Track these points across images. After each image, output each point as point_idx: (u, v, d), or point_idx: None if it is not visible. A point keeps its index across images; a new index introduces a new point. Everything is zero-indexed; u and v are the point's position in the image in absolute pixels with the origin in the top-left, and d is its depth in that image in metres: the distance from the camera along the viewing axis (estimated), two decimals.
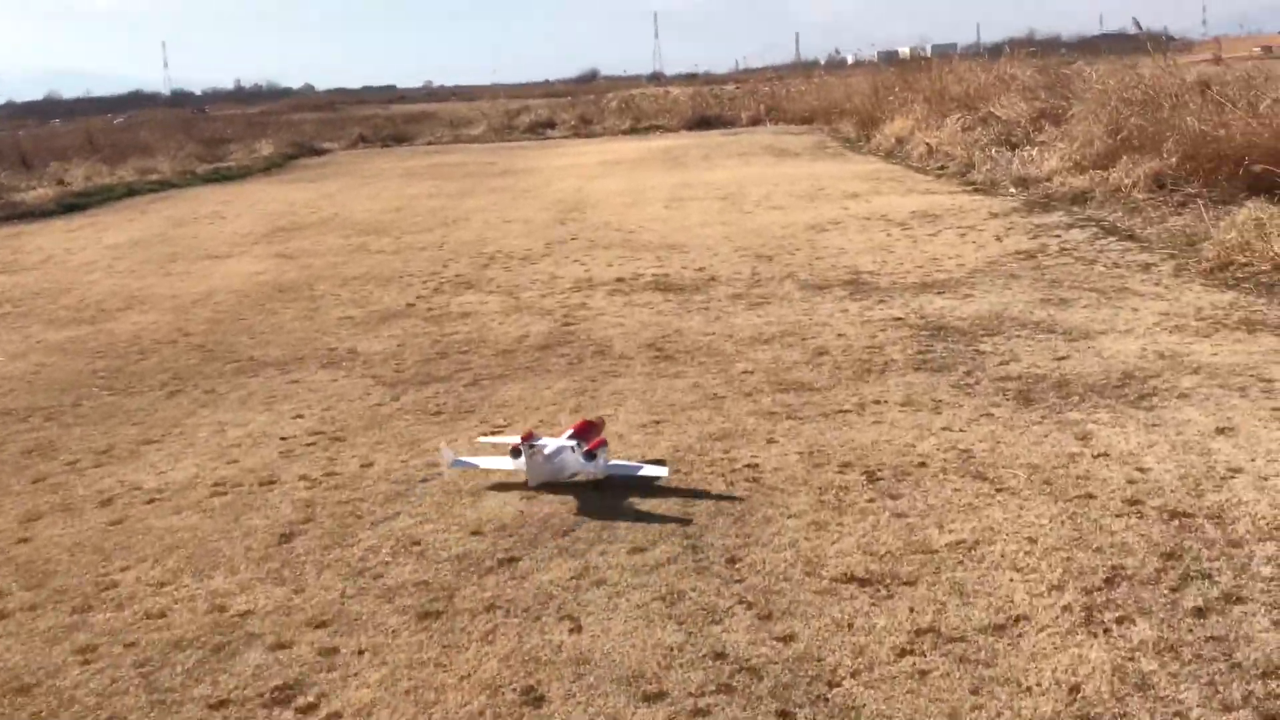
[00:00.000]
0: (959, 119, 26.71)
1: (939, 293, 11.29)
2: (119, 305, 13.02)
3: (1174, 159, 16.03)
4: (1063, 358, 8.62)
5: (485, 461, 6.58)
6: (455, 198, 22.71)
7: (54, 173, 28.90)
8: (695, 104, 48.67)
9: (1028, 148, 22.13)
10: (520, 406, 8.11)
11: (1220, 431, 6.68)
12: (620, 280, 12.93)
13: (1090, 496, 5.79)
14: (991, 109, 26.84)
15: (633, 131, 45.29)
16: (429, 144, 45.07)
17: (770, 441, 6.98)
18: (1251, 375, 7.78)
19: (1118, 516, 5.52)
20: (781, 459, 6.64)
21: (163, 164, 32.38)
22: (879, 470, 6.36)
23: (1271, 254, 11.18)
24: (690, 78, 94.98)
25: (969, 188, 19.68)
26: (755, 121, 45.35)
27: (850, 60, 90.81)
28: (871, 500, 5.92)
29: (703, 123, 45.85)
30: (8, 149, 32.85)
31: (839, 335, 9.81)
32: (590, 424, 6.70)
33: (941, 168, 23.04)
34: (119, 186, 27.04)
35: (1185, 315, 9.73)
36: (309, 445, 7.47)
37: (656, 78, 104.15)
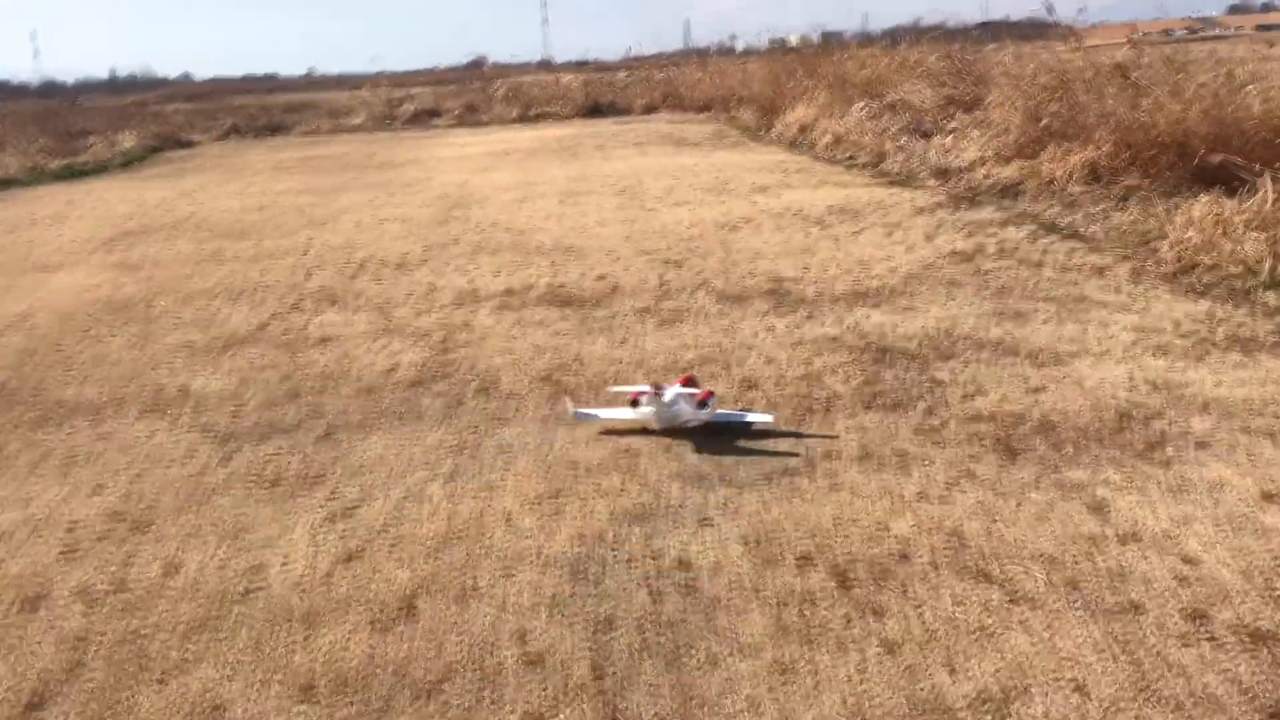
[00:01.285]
0: (864, 106, 25.51)
1: (875, 305, 9.85)
2: None
3: (1106, 148, 14.85)
4: (1037, 389, 7.20)
5: (606, 413, 7.05)
6: (327, 194, 20.76)
7: None
8: (588, 91, 46.92)
9: (940, 136, 21.00)
10: (382, 471, 6.43)
11: (1268, 498, 5.28)
12: (509, 292, 11.27)
13: (1137, 608, 4.34)
14: (897, 96, 25.76)
15: (522, 120, 43.48)
16: (306, 134, 42.68)
17: (703, 523, 5.41)
18: (1275, 414, 6.41)
19: (1184, 644, 4.07)
20: (721, 551, 5.08)
21: (10, 160, 29.71)
22: (850, 568, 4.84)
23: (1240, 255, 9.95)
24: (581, 65, 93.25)
25: (884, 180, 18.38)
26: (651, 109, 43.85)
27: (740, 48, 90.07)
28: (849, 621, 4.39)
29: (596, 111, 44.24)
30: None
31: (768, 361, 8.30)
32: (692, 378, 7.28)
33: (850, 158, 21.75)
34: None
35: (1163, 331, 8.42)
36: (101, 538, 5.70)
37: (546, 64, 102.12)
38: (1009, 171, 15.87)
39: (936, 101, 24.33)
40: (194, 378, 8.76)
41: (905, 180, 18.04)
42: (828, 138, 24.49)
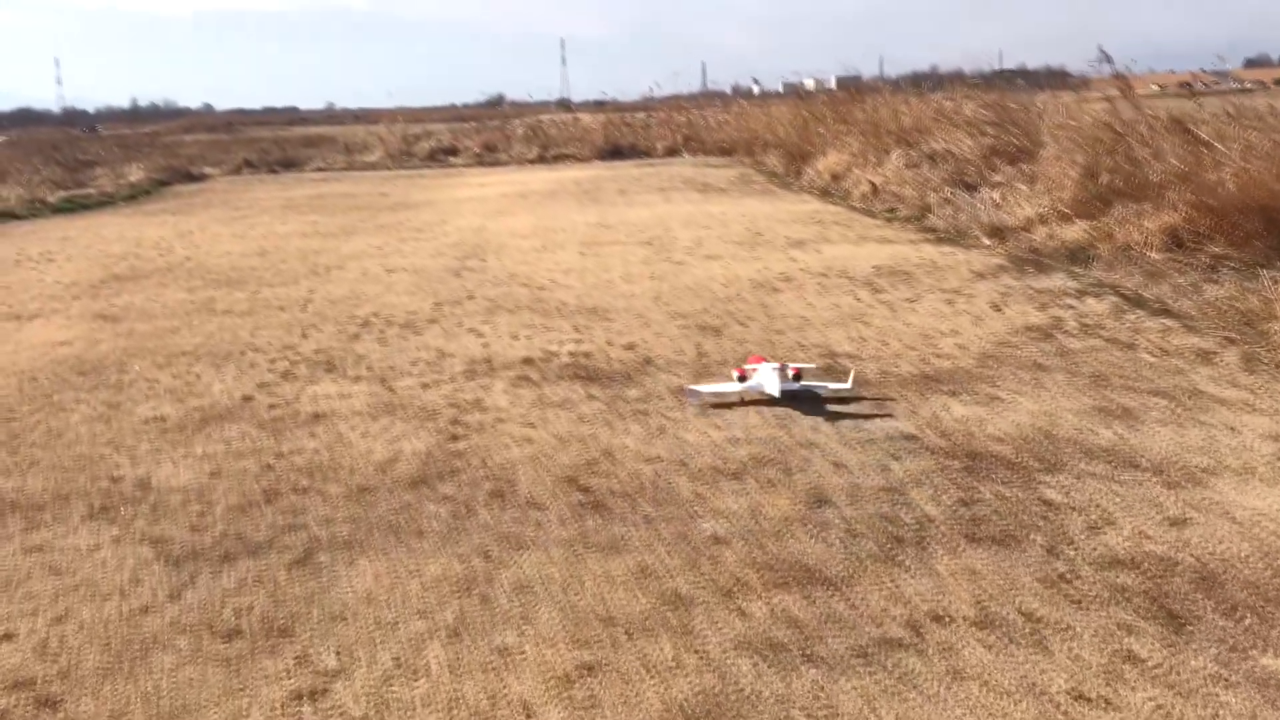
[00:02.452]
0: (902, 155, 24.28)
1: (951, 392, 8.51)
2: None
3: (1183, 211, 13.52)
4: (1179, 521, 5.84)
5: (720, 387, 8.52)
6: (334, 237, 19.53)
7: None
8: (608, 132, 45.86)
9: (987, 189, 19.72)
10: (368, 620, 5.08)
11: None
12: (528, 362, 9.96)
13: None
14: (936, 145, 24.53)
15: (541, 160, 42.43)
16: (319, 171, 41.65)
17: None
18: None
19: None
20: None
21: (12, 191, 28.62)
22: None
23: None
24: (599, 104, 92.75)
25: (931, 236, 17.07)
26: (672, 152, 42.76)
27: (756, 91, 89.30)
28: None
29: (616, 152, 43.17)
30: None
31: (836, 466, 6.95)
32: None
33: (891, 210, 20.48)
34: None
35: None
36: None
37: (565, 104, 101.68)
38: (1074, 233, 14.55)
39: (979, 152, 23.06)
40: (158, 465, 7.44)
41: (955, 238, 16.75)
42: (864, 187, 23.28)
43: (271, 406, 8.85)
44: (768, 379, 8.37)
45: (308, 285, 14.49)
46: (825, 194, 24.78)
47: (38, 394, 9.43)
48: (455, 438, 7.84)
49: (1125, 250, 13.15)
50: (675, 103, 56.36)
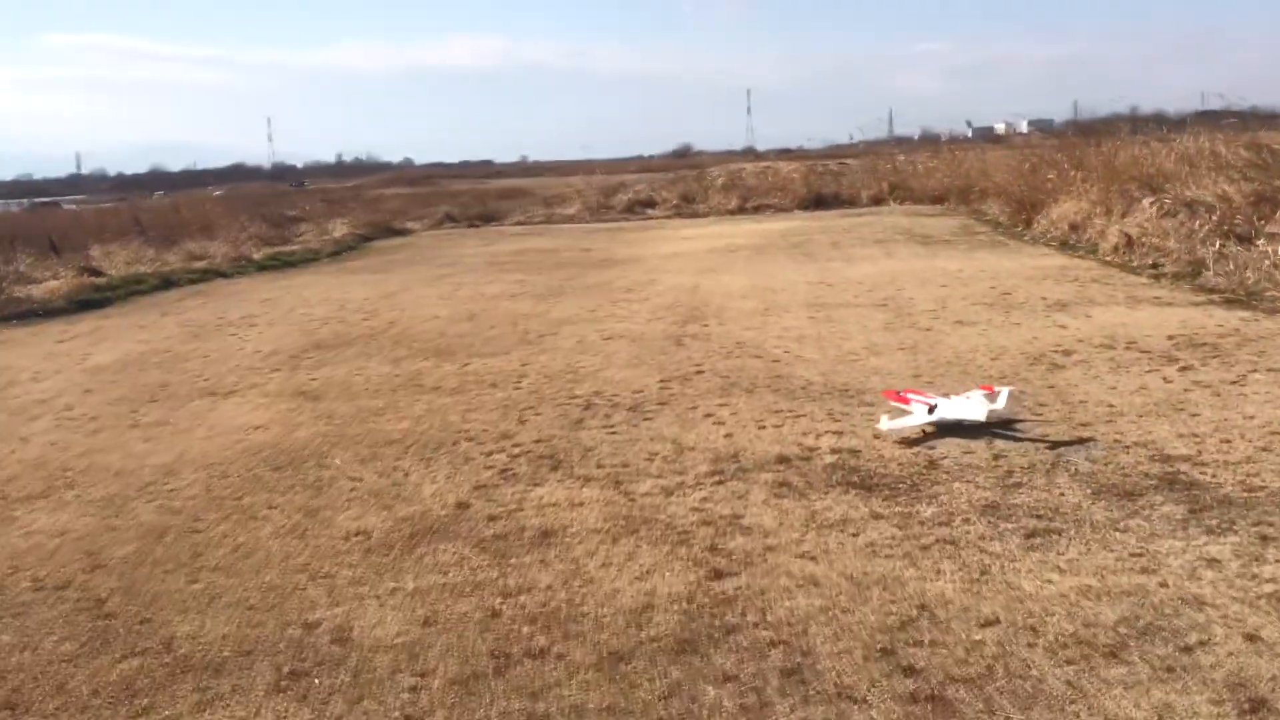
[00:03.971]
0: (1154, 203, 21.81)
1: None
2: (30, 490, 8.78)
3: None
4: None
5: (913, 420, 8.68)
6: (543, 299, 18.35)
7: (89, 258, 25.19)
8: (809, 181, 44.18)
9: (1264, 242, 17.26)
10: None
11: None
12: (784, 461, 8.32)
13: None
14: (1190, 192, 22.01)
15: (741, 211, 41.00)
16: (519, 224, 41.19)
17: None
18: None
19: None
20: None
21: (218, 248, 28.65)
22: None
23: None
24: (785, 152, 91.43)
25: (1216, 298, 14.81)
26: (878, 200, 40.74)
27: (945, 136, 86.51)
28: None
29: (818, 201, 41.40)
30: (37, 230, 29.21)
31: (1250, 639, 5.06)
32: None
33: (1155, 266, 18.15)
34: (151, 278, 23.16)
35: None
36: None
37: (751, 152, 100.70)
38: None
39: (1243, 199, 20.47)
40: (361, 606, 6.06)
41: (1246, 299, 14.45)
42: (1114, 239, 20.91)
43: (491, 518, 7.43)
44: (972, 408, 8.70)
45: (520, 356, 13.21)
46: (1065, 246, 22.49)
47: (227, 496, 8.25)
48: (719, 574, 6.23)
49: None
50: (880, 149, 54.34)
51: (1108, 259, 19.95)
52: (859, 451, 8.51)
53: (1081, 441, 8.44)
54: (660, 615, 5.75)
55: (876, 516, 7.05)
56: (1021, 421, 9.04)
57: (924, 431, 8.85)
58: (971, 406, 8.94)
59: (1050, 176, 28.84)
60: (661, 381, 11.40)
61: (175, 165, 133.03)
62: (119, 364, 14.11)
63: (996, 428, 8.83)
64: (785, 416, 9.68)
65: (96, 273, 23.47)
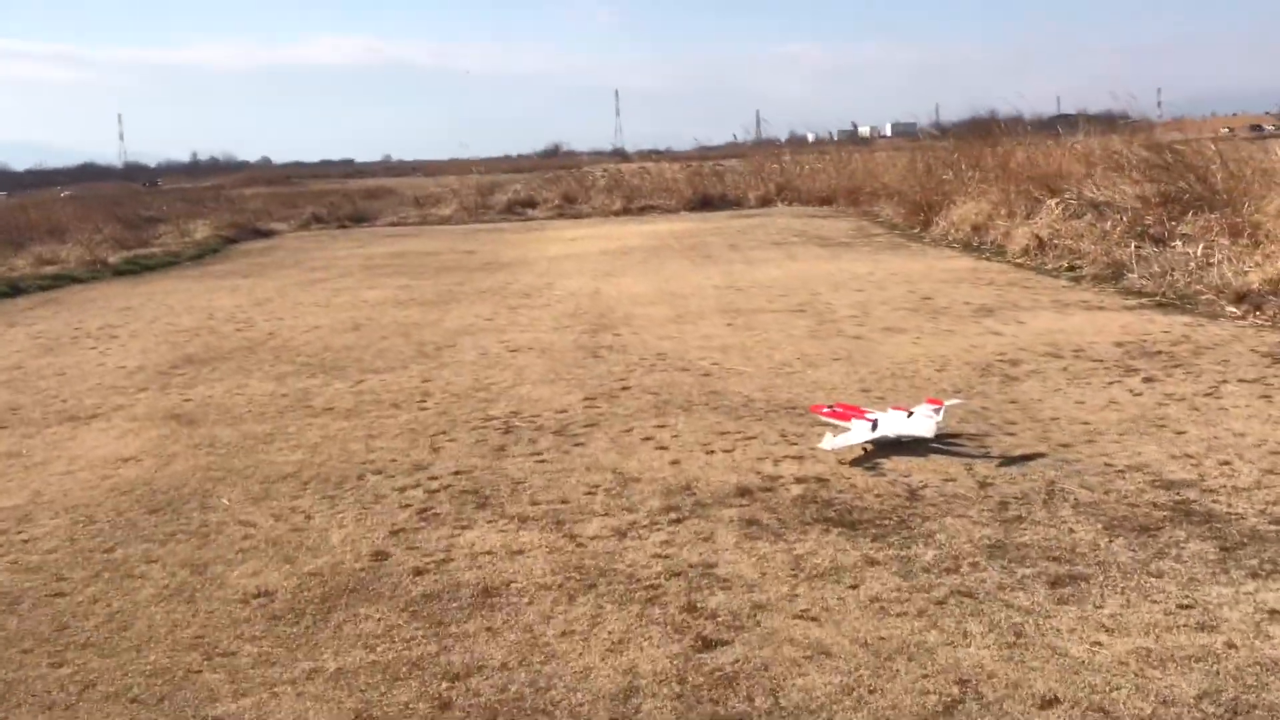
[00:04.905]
0: (1058, 204, 21.46)
1: None
2: None
3: None
4: None
5: (853, 437, 7.96)
6: (434, 306, 17.09)
7: None
8: (694, 182, 43.43)
9: (1181, 244, 16.94)
10: None
11: None
12: (746, 494, 7.33)
13: None
14: (1088, 192, 21.76)
15: (626, 212, 40.05)
16: (393, 224, 39.60)
17: None
18: None
19: None
20: None
21: (71, 251, 26.57)
22: None
23: None
24: (654, 153, 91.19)
25: (1148, 301, 14.33)
26: (766, 201, 40.20)
27: (811, 138, 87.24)
28: None
29: (705, 203, 40.69)
30: None
31: None
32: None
33: (1070, 268, 17.72)
34: None
35: None
36: None
37: (620, 153, 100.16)
38: None
39: (1148, 201, 20.19)
40: (274, 699, 4.85)
41: (1179, 303, 13.99)
42: (1022, 241, 20.46)
43: (417, 572, 6.26)
44: (918, 423, 8.16)
45: (419, 372, 11.97)
46: (970, 248, 22.05)
47: (95, 548, 6.91)
48: (707, 643, 5.19)
49: None
50: (768, 149, 53.91)
51: (1018, 261, 19.50)
52: (827, 480, 7.55)
53: (1031, 457, 7.62)
54: (649, 703, 4.68)
55: (871, 562, 6.08)
56: (958, 436, 8.26)
57: (865, 449, 8.13)
58: (917, 422, 8.22)
59: (946, 177, 28.53)
60: (586, 399, 10.31)
61: (20, 165, 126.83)
62: None
63: (935, 443, 8.04)
64: (734, 439, 8.69)
65: None
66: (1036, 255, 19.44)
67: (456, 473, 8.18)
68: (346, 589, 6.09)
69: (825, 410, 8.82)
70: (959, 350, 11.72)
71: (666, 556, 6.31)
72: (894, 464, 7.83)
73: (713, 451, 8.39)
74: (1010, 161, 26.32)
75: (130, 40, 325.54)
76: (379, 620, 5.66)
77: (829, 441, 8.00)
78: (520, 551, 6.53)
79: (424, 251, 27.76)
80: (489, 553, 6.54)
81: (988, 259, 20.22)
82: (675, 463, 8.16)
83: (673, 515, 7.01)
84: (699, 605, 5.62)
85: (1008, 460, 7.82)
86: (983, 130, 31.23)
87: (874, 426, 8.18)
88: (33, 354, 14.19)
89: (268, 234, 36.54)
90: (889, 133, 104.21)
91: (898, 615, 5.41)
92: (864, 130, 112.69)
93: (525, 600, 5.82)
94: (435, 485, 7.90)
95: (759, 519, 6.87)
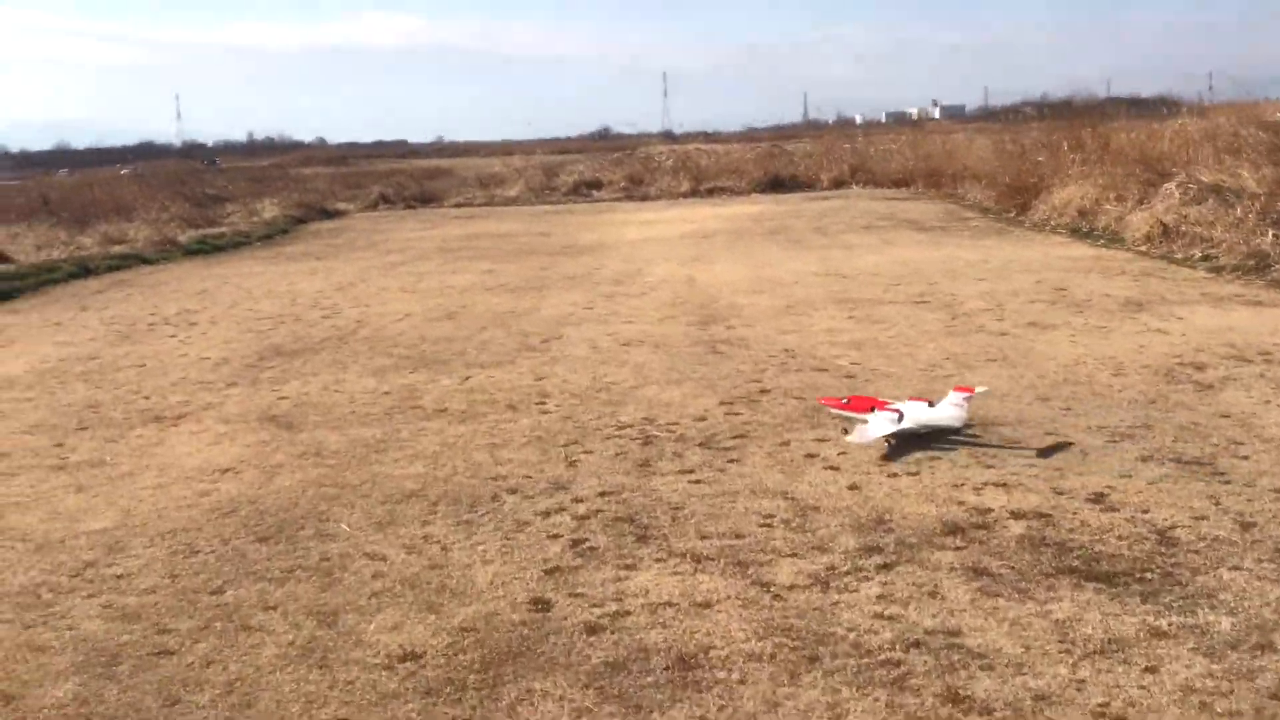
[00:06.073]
0: (1180, 187, 20.06)
1: None
2: None
3: None
4: None
5: (877, 430, 7.48)
6: (524, 292, 16.05)
7: None
8: (763, 163, 42.13)
9: None
10: None
11: None
12: (956, 532, 6.21)
13: None
14: (1202, 176, 20.35)
15: (694, 194, 38.84)
16: (459, 205, 38.66)
17: None
18: None
19: None
20: None
21: (140, 230, 25.77)
22: None
23: None
24: (700, 135, 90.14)
25: None
26: (839, 184, 38.88)
27: (858, 120, 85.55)
28: None
29: (775, 184, 39.37)
30: None
31: None
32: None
33: (1205, 258, 16.33)
34: (65, 264, 20.35)
35: None
36: None
37: (668, 135, 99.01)
38: None
39: (1269, 185, 18.79)
40: None
41: None
42: (1143, 227, 19.05)
43: (590, 630, 5.18)
44: (945, 414, 7.80)
45: (529, 367, 10.93)
46: (1080, 234, 20.74)
47: (202, 587, 5.88)
48: None
49: None
50: (841, 131, 52.45)
51: (1141, 249, 18.14)
52: (1050, 516, 6.40)
53: None
54: None
55: (1157, 634, 4.93)
56: (1179, 459, 7.12)
57: (889, 442, 7.66)
58: (943, 411, 7.86)
59: (1039, 159, 27.16)
60: (723, 404, 9.22)
61: (81, 143, 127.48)
62: (33, 376, 11.54)
63: (1161, 465, 6.94)
64: (912, 458, 7.57)
65: (1, 258, 20.58)
66: (1161, 243, 18.09)
67: (603, 494, 7.10)
68: (510, 652, 5.02)
69: (839, 403, 8.35)
70: (1127, 351, 10.53)
71: (891, 618, 5.20)
72: (1121, 495, 6.66)
73: (894, 474, 7.27)
74: (1112, 143, 24.94)
75: (186, 21, 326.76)
76: (560, 699, 4.60)
77: (853, 437, 7.65)
78: (707, 604, 5.44)
79: (497, 233, 26.77)
80: (670, 604, 5.45)
81: (1104, 246, 18.93)
82: (854, 487, 7.04)
83: (877, 559, 5.89)
84: (963, 693, 4.50)
85: (1248, 484, 6.63)
86: (1077, 111, 29.85)
87: (900, 418, 7.69)
88: (109, 342, 13.28)
89: (335, 214, 35.72)
90: (937, 114, 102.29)
91: (1228, 716, 4.25)
92: (912, 112, 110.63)
93: (735, 676, 4.73)
94: (582, 510, 6.83)
95: (987, 567, 5.74)
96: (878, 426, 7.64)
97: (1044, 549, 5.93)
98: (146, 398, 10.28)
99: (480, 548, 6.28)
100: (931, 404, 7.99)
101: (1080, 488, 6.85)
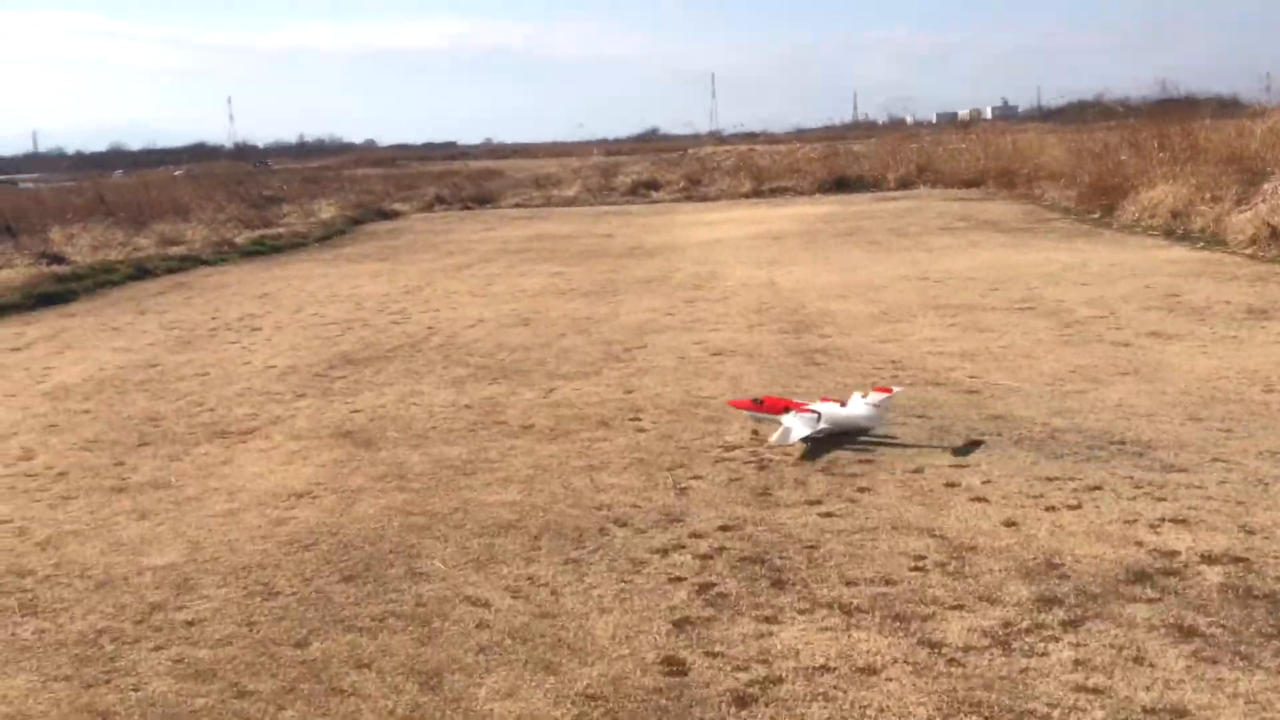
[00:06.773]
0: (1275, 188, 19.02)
1: None
2: None
3: None
4: None
5: (795, 432, 7.39)
6: (599, 297, 15.31)
7: (49, 242, 21.81)
8: (828, 163, 41.19)
9: None
10: None
11: None
12: (1143, 579, 5.44)
13: None
14: None
15: (756, 194, 37.99)
16: (517, 206, 38.03)
17: None
18: None
19: None
20: None
21: (197, 231, 25.30)
22: None
23: None
24: (748, 136, 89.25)
25: None
26: (905, 184, 37.87)
27: (909, 120, 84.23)
28: None
29: (840, 184, 38.43)
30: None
31: None
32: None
33: None
34: (123, 266, 19.85)
35: None
36: None
37: (716, 136, 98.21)
38: None
39: None
40: None
41: None
42: (1248, 230, 18.00)
43: (740, 702, 4.41)
44: (860, 415, 7.77)
45: (616, 378, 10.17)
46: (1175, 236, 19.71)
47: (283, 637, 5.14)
48: None
49: None
50: (899, 130, 51.42)
51: (1248, 252, 17.11)
52: (1246, 560, 5.52)
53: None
54: None
55: None
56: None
57: (806, 443, 7.56)
58: (856, 412, 7.81)
59: (1123, 159, 26.10)
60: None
61: (135, 145, 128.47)
62: (91, 384, 10.93)
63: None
64: (1071, 489, 6.71)
65: (58, 259, 20.14)
66: (1269, 245, 17.05)
67: (723, 528, 6.31)
68: None
69: (751, 404, 8.19)
70: (1270, 364, 9.64)
71: (1096, 691, 4.37)
72: None
73: (1053, 508, 6.41)
74: (1202, 141, 23.85)
75: (239, 24, 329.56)
76: None
77: (777, 437, 7.48)
78: (871, 670, 4.64)
79: (559, 235, 26.09)
80: (827, 669, 4.65)
81: (1205, 249, 17.93)
82: (1011, 524, 6.20)
83: (1059, 613, 5.06)
84: None
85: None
86: (1156, 111, 28.75)
87: (818, 419, 7.62)
88: (169, 348, 12.66)
89: (391, 215, 35.21)
90: (989, 114, 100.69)
91: None
92: (963, 114, 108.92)
93: None
94: (704, 547, 6.04)
95: (1192, 625, 4.89)
96: (798, 428, 7.51)
97: (1252, 602, 5.08)
98: (211, 410, 9.61)
99: (595, 592, 5.51)
100: (843, 404, 7.91)
101: (1273, 525, 5.98)
